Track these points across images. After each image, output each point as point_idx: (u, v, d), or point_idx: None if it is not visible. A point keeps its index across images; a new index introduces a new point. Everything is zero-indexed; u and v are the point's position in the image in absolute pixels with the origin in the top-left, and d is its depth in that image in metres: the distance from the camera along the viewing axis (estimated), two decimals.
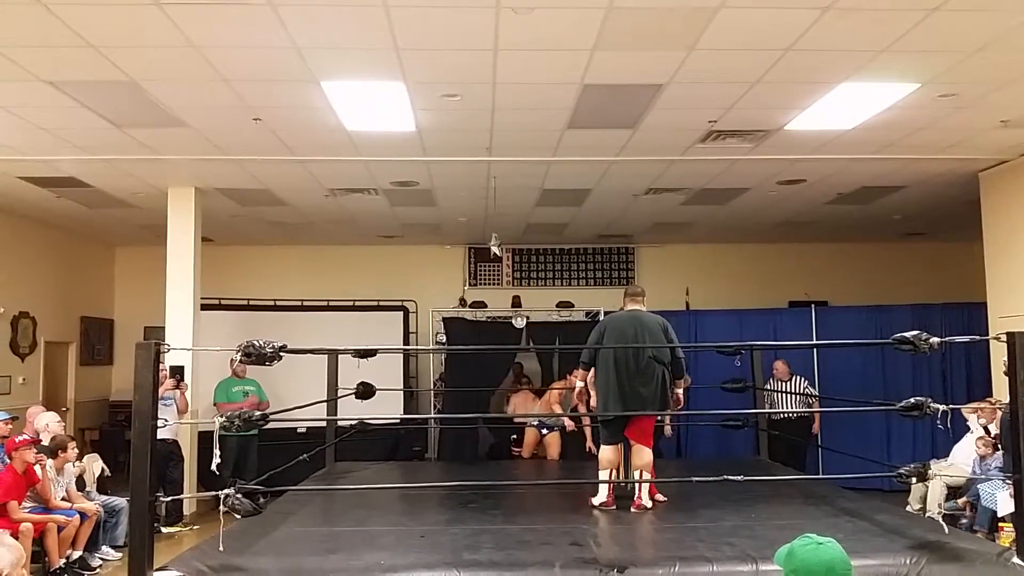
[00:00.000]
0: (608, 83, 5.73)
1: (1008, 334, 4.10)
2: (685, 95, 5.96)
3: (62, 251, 10.91)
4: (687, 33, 4.90)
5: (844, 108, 6.28)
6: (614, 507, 5.29)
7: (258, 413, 4.29)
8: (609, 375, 5.44)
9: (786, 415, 9.35)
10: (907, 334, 4.26)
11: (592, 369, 5.68)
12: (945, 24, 4.76)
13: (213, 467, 4.41)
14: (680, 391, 5.64)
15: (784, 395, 9.26)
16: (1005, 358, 4.14)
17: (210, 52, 5.10)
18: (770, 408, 9.30)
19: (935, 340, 4.21)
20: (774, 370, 9.48)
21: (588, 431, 8.45)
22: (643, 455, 5.46)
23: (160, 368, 4.25)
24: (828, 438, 9.45)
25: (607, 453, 5.55)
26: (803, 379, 9.54)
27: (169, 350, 4.43)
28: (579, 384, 5.84)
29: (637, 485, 5.37)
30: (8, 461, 6.35)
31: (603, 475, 5.49)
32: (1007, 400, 4.17)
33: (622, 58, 5.29)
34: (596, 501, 5.34)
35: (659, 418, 5.79)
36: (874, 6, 4.56)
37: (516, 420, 9.48)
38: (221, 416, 4.22)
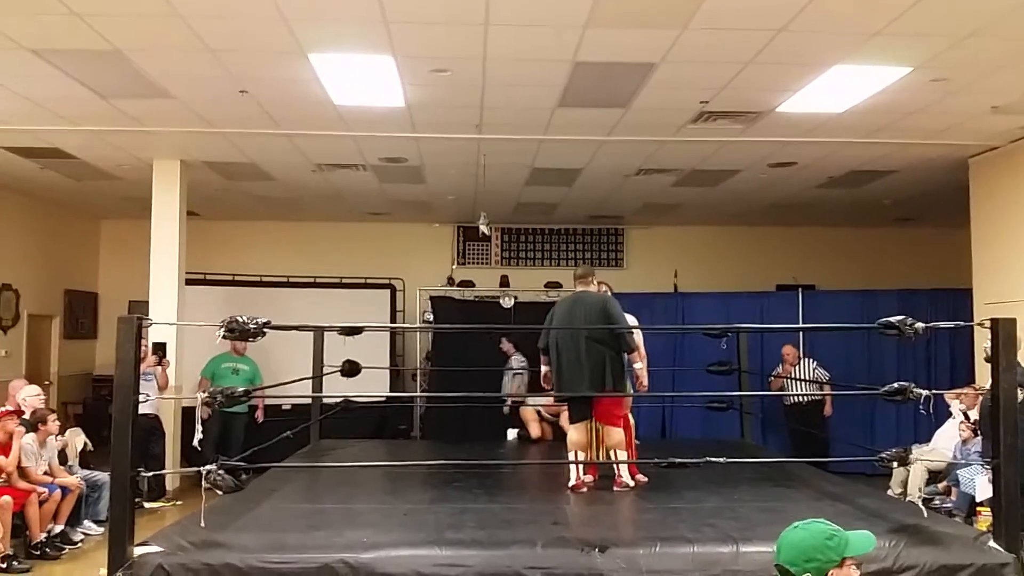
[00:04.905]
0: (600, 61, 5.67)
1: (992, 320, 4.11)
2: (677, 75, 5.92)
3: (46, 223, 10.79)
4: (680, 11, 4.85)
5: (836, 91, 6.25)
6: (585, 489, 5.28)
7: (240, 389, 4.26)
8: (556, 358, 5.52)
9: (797, 400, 9.39)
10: (892, 319, 4.26)
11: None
12: (938, 8, 4.73)
13: (195, 443, 4.40)
14: (638, 366, 5.61)
15: (794, 380, 9.29)
16: (988, 344, 4.15)
17: (196, 21, 5.01)
18: (780, 393, 9.33)
19: (920, 325, 4.21)
20: (783, 355, 9.50)
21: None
22: (612, 435, 5.50)
23: (142, 343, 4.21)
24: None
25: (571, 434, 5.59)
26: (812, 361, 9.54)
27: (151, 324, 4.39)
28: (543, 368, 5.87)
29: (616, 464, 5.38)
30: None
31: (571, 457, 5.52)
32: (988, 386, 4.19)
33: (614, 36, 5.23)
34: (570, 484, 5.33)
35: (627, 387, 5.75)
36: None
37: (512, 401, 9.39)
38: (203, 391, 4.19)
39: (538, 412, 8.25)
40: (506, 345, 9.87)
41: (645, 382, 5.88)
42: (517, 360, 9.72)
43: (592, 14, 4.88)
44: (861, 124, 7.12)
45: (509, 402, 8.88)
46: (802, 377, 9.31)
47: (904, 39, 5.23)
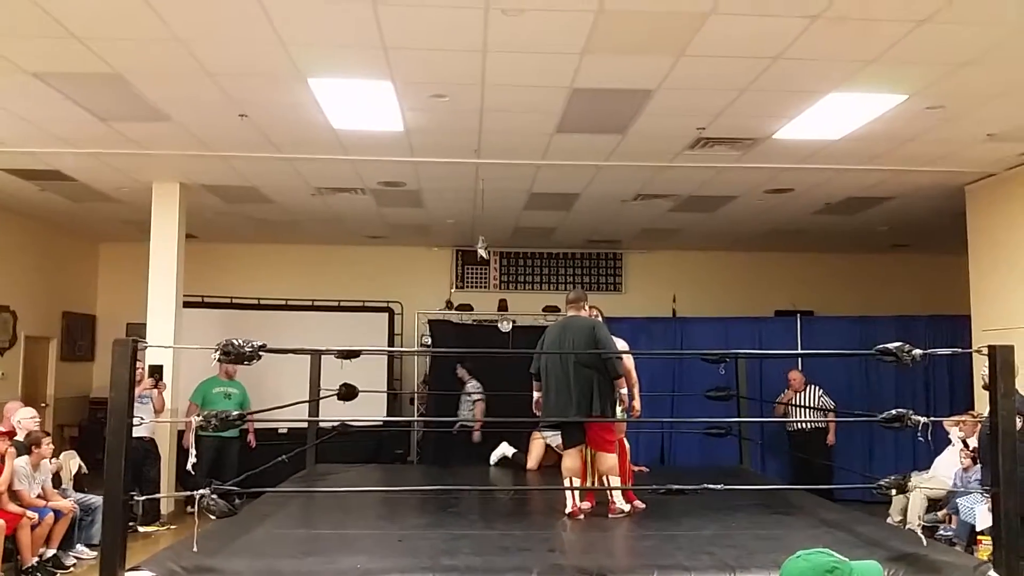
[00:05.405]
0: (597, 88, 5.71)
1: (989, 347, 4.09)
2: (674, 101, 5.96)
3: (45, 245, 10.79)
4: (676, 39, 4.89)
5: (832, 118, 6.29)
6: (582, 516, 5.22)
7: (235, 413, 4.24)
8: (546, 383, 5.50)
9: (801, 427, 9.34)
10: (890, 345, 4.24)
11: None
12: (934, 36, 4.77)
13: (188, 467, 4.37)
14: (624, 391, 5.54)
15: (798, 407, 9.23)
16: (985, 372, 4.14)
17: (196, 46, 5.05)
18: (782, 419, 9.27)
19: (918, 352, 4.19)
20: (789, 381, 9.46)
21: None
22: (605, 461, 5.46)
23: (138, 366, 4.19)
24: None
25: (565, 460, 5.55)
26: (818, 388, 9.49)
27: (147, 347, 4.38)
28: (536, 394, 5.78)
29: (610, 491, 5.34)
30: None
31: (566, 484, 5.47)
32: (987, 413, 4.16)
33: (611, 63, 5.27)
34: (567, 511, 5.29)
35: (620, 414, 5.68)
36: (863, 16, 4.57)
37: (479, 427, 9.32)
38: (196, 416, 4.17)
39: (547, 445, 8.08)
40: (461, 371, 9.87)
41: (638, 407, 5.84)
42: (473, 386, 9.71)
43: (589, 42, 4.92)
44: (857, 151, 7.16)
45: (477, 427, 8.82)
46: (806, 404, 9.27)
47: (900, 67, 5.27)
